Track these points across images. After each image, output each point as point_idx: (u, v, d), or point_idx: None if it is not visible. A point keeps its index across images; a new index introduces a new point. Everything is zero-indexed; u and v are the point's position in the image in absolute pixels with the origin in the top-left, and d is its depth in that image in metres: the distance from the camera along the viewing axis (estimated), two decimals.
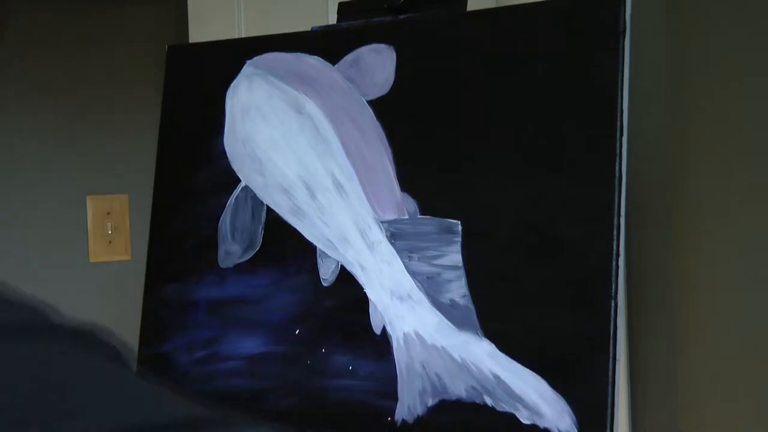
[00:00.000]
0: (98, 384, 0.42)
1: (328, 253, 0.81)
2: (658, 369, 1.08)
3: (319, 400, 0.79)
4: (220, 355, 0.85)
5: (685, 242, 1.06)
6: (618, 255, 0.68)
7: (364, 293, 0.79)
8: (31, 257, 1.60)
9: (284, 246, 0.83)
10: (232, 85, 0.88)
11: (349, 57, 0.83)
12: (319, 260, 0.81)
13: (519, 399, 0.70)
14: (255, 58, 0.88)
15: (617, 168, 0.69)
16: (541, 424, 0.69)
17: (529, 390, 0.70)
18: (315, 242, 0.82)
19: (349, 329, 0.80)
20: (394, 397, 0.77)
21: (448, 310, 0.74)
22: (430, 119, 0.78)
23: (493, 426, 0.71)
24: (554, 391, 0.69)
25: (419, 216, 0.77)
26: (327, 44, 0.85)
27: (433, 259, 0.75)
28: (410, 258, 0.77)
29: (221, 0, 1.31)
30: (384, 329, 0.78)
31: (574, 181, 0.71)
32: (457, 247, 0.74)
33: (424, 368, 0.75)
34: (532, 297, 0.71)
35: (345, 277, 0.80)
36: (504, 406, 0.71)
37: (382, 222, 0.79)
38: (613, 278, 0.68)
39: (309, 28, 0.88)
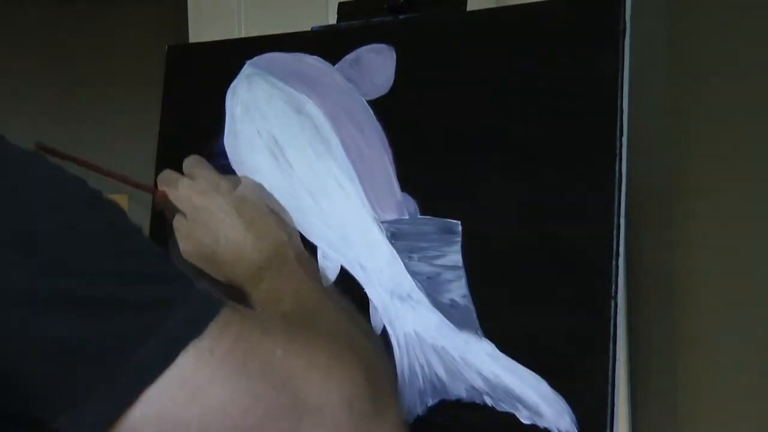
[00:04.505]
0: None
1: (329, 253, 0.81)
2: (658, 369, 1.08)
3: None
4: None
5: (685, 242, 1.06)
6: (618, 255, 0.68)
7: (365, 293, 0.79)
8: None
9: None
10: (232, 85, 0.88)
11: (349, 57, 0.83)
12: (319, 260, 0.81)
13: (519, 399, 0.70)
14: (255, 58, 0.88)
15: (617, 168, 0.69)
16: (541, 424, 0.69)
17: (529, 390, 0.70)
18: (315, 242, 0.82)
19: None
20: None
21: (448, 310, 0.74)
22: (431, 119, 0.78)
23: (493, 426, 0.71)
24: (554, 391, 0.69)
25: (419, 216, 0.77)
26: (327, 44, 0.85)
27: (433, 259, 0.75)
28: (410, 258, 0.77)
29: (221, 0, 1.31)
30: (384, 329, 0.78)
31: (574, 181, 0.71)
32: (457, 247, 0.74)
33: (424, 368, 0.75)
34: (532, 297, 0.71)
35: (345, 277, 0.80)
36: (504, 406, 0.71)
37: (382, 222, 0.79)
38: (613, 278, 0.68)
39: (309, 28, 0.88)
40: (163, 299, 0.53)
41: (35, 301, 0.50)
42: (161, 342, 0.51)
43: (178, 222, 0.81)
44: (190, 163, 0.83)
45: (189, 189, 0.80)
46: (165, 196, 0.81)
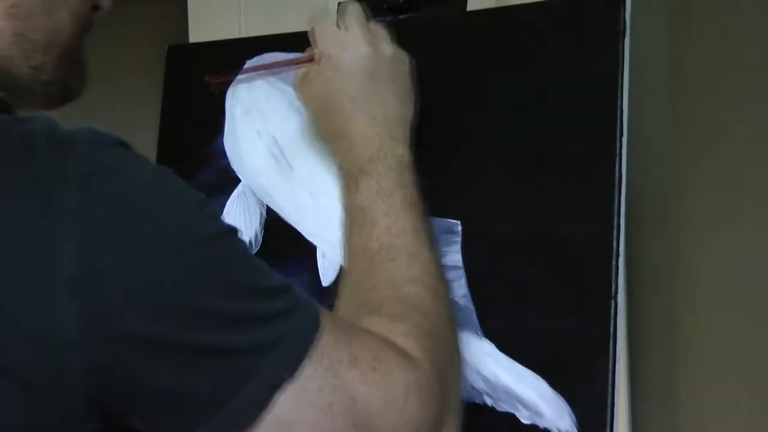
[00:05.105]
0: None
1: (329, 252, 0.81)
2: (658, 369, 1.08)
3: None
4: None
5: (685, 242, 1.06)
6: (618, 255, 0.68)
7: None
8: None
9: (284, 246, 0.83)
10: (232, 85, 0.88)
11: None
12: (319, 260, 0.81)
13: (519, 399, 0.70)
14: (255, 58, 0.88)
15: (617, 168, 0.69)
16: (541, 424, 0.69)
17: (529, 390, 0.70)
18: (315, 242, 0.82)
19: None
20: None
21: None
22: (430, 119, 0.78)
23: (493, 426, 0.71)
24: (554, 391, 0.69)
25: None
26: None
27: None
28: None
29: (221, 0, 1.31)
30: None
31: (574, 181, 0.71)
32: (457, 247, 0.74)
33: None
34: (532, 297, 0.71)
35: None
36: (504, 406, 0.71)
37: None
38: (613, 278, 0.68)
39: (309, 28, 0.88)
40: (262, 344, 0.53)
41: (144, 345, 0.50)
42: (258, 387, 0.52)
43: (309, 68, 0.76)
44: (348, 10, 0.76)
45: (333, 39, 0.75)
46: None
